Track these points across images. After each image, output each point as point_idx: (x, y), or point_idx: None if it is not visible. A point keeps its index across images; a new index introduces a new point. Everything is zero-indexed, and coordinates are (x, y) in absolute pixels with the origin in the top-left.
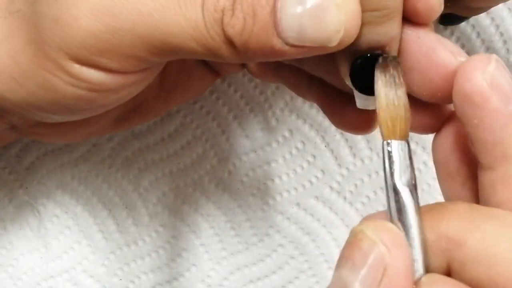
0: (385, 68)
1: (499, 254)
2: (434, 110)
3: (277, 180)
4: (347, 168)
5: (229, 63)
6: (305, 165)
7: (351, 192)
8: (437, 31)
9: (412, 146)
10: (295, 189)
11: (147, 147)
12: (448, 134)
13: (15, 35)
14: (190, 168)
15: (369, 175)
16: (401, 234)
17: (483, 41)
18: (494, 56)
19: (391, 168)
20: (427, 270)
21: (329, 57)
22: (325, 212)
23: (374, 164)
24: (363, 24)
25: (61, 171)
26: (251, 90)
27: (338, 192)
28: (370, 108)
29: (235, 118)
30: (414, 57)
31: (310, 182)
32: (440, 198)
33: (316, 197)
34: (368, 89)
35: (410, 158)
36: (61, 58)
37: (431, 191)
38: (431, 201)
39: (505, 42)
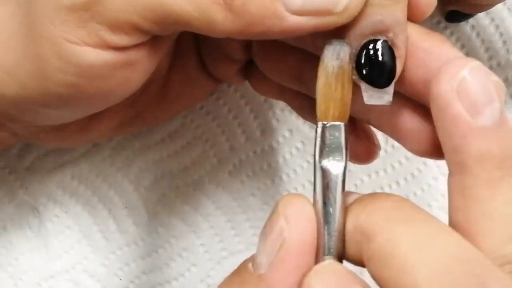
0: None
1: (396, 258)
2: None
3: (277, 180)
4: (347, 168)
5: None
6: (305, 165)
7: None
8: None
9: None
10: (295, 189)
11: (147, 147)
12: None
13: (7, 21)
14: (190, 168)
15: (369, 175)
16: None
17: (483, 41)
18: (475, 63)
19: (321, 148)
20: (343, 256)
21: None
22: None
23: (374, 164)
24: (367, 5)
25: (61, 171)
26: (252, 90)
27: None
28: (378, 103)
29: (235, 118)
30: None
31: (310, 182)
32: (440, 199)
33: None
34: (373, 81)
35: (346, 141)
36: (52, 35)
37: (431, 191)
38: (431, 202)
39: (505, 42)
